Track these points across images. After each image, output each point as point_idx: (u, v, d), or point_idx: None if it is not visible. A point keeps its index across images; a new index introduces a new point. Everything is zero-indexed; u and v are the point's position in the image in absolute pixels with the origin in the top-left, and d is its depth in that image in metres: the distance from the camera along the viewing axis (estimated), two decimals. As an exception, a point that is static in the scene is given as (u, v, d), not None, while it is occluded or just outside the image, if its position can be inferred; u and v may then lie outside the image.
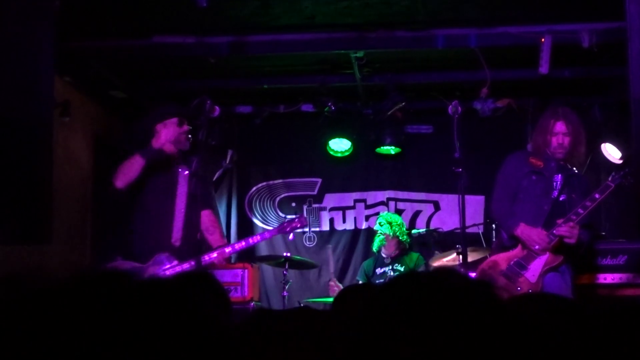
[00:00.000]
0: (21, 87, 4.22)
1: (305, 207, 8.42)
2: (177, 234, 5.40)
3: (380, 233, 7.30)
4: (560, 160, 5.40)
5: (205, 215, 5.51)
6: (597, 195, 5.21)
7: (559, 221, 5.20)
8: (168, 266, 5.22)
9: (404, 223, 7.56)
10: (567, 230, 5.14)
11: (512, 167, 5.44)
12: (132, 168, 5.38)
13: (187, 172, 5.48)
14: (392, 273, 7.19)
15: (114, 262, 5.35)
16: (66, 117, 6.46)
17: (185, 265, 5.23)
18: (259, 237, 5.83)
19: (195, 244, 5.31)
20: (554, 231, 5.20)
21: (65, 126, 6.52)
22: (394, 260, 7.28)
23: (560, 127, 5.38)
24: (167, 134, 5.39)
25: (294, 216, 5.81)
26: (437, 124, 7.93)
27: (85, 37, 5.98)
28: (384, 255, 7.32)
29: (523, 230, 5.27)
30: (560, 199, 5.39)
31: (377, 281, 7.15)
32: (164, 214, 5.43)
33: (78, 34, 5.82)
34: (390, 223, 7.31)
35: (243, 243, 5.53)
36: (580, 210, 5.22)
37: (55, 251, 6.39)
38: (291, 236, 5.83)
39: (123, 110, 7.60)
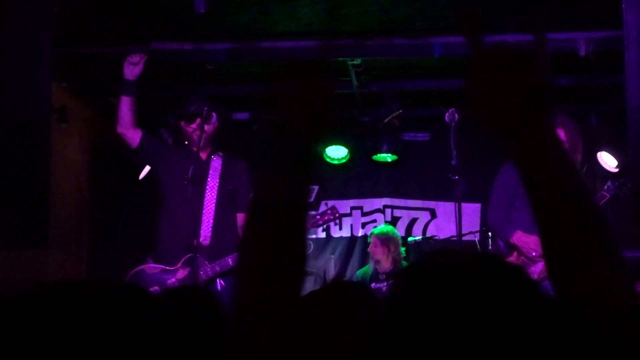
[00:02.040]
0: (19, 92, 4.23)
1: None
2: (206, 232, 5.29)
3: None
4: (556, 168, 5.42)
5: (242, 218, 5.30)
6: (592, 205, 5.22)
7: None
8: (200, 269, 5.13)
9: (399, 237, 7.53)
10: None
11: (508, 175, 5.45)
12: (121, 110, 5.40)
13: (218, 165, 5.44)
14: (387, 289, 7.17)
15: (144, 265, 5.30)
16: (63, 122, 6.46)
17: (216, 267, 5.16)
18: None
19: (229, 244, 5.16)
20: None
21: (62, 132, 6.53)
22: (389, 276, 7.27)
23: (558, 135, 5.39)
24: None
25: (325, 208, 5.67)
26: (434, 131, 7.95)
27: (84, 42, 5.98)
28: (379, 271, 7.32)
29: (520, 237, 5.29)
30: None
31: None
32: (191, 211, 5.23)
33: (76, 40, 5.82)
34: (386, 241, 7.29)
35: None
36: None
37: (51, 256, 6.38)
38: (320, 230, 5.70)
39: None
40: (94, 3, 5.40)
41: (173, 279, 5.13)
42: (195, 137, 5.39)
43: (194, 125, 5.40)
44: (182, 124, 5.48)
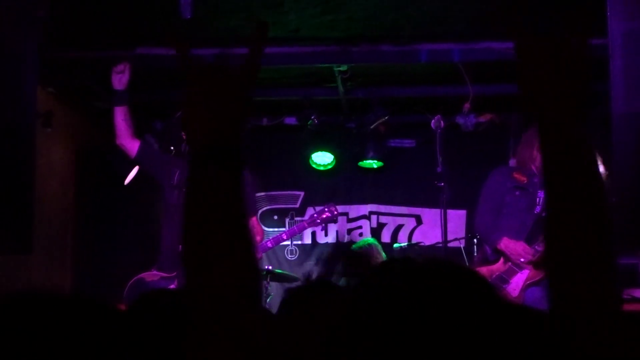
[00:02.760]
0: (4, 96, 4.20)
1: (287, 220, 8.40)
2: None
3: None
4: (543, 175, 5.45)
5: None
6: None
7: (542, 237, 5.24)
8: None
9: (379, 246, 7.51)
10: None
11: (495, 182, 5.47)
12: (117, 121, 5.40)
13: None
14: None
15: (144, 273, 5.28)
16: (48, 127, 6.43)
17: None
18: (285, 236, 5.71)
19: None
20: (536, 246, 5.23)
21: (47, 136, 6.49)
22: None
23: (546, 143, 5.42)
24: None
25: (323, 206, 5.64)
26: (420, 138, 7.96)
27: (69, 47, 5.96)
28: None
29: (507, 244, 5.30)
30: (543, 214, 5.42)
31: None
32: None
33: (62, 44, 5.80)
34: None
35: (269, 244, 5.44)
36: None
37: (35, 262, 6.35)
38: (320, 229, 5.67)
39: (106, 122, 7.56)
40: (79, 8, 5.37)
41: (172, 286, 5.11)
42: None
43: None
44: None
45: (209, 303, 1.30)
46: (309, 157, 8.13)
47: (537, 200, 5.47)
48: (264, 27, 1.45)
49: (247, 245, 1.34)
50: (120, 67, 5.46)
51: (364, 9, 5.51)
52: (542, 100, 1.33)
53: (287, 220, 8.41)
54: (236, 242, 1.33)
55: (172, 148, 5.69)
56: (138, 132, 5.71)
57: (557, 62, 1.35)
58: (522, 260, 5.21)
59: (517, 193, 5.46)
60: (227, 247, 1.32)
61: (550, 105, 1.32)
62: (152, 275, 5.22)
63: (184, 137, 1.36)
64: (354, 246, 7.58)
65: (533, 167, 5.45)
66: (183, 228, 1.41)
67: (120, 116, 5.39)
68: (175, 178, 5.20)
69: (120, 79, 5.44)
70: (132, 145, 5.45)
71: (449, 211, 5.75)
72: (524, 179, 5.48)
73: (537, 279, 5.21)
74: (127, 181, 6.75)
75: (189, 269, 1.37)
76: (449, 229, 5.71)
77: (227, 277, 1.31)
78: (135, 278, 5.25)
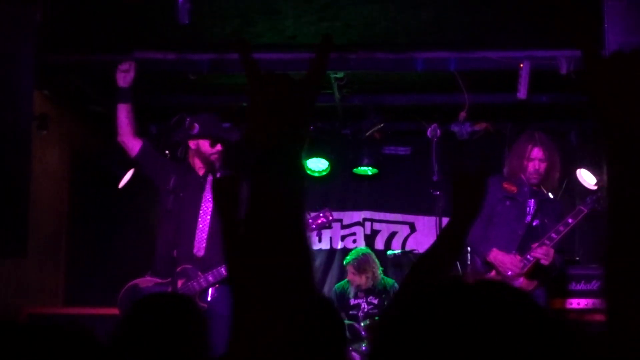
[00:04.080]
0: (0, 99, 4.20)
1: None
2: (200, 243, 5.28)
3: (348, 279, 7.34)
4: (534, 185, 5.45)
5: None
6: (570, 220, 5.27)
7: (534, 245, 5.24)
8: (193, 280, 5.13)
9: (374, 255, 7.50)
10: (543, 251, 5.18)
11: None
12: (119, 119, 5.38)
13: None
14: (366, 305, 7.16)
15: (139, 279, 5.27)
16: (43, 130, 6.42)
17: (209, 277, 5.15)
18: None
19: (222, 255, 5.11)
20: (528, 256, 5.24)
21: (42, 139, 6.49)
22: (369, 292, 7.26)
23: (537, 153, 5.43)
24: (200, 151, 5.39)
25: (318, 212, 5.64)
26: (414, 145, 7.97)
27: (66, 50, 5.96)
28: (352, 286, 7.32)
29: (496, 255, 5.31)
30: (534, 223, 5.44)
31: (350, 312, 7.12)
32: (187, 224, 5.27)
33: (59, 48, 5.80)
34: (361, 268, 7.27)
35: None
36: (554, 235, 5.27)
37: (28, 265, 6.34)
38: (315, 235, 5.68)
39: (101, 125, 7.57)
40: (77, 11, 5.37)
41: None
42: (214, 159, 5.38)
43: (218, 147, 5.39)
44: (191, 143, 5.46)
45: (259, 301, 1.31)
46: (303, 163, 8.12)
47: (528, 210, 5.49)
48: (329, 39, 1.52)
49: (305, 249, 1.37)
50: (125, 65, 5.46)
51: (361, 17, 5.52)
52: (611, 112, 1.31)
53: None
54: (295, 245, 1.35)
55: (167, 152, 5.68)
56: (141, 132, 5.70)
57: (626, 76, 1.31)
58: (509, 273, 5.21)
59: (508, 203, 5.47)
60: (286, 251, 1.34)
61: (619, 117, 1.31)
62: (146, 282, 5.20)
63: (245, 142, 1.38)
64: (346, 257, 7.58)
65: (523, 177, 5.47)
66: (245, 231, 1.40)
67: (123, 113, 5.38)
68: (171, 183, 5.18)
69: (124, 77, 5.44)
70: (133, 144, 5.43)
71: (444, 219, 5.75)
72: (513, 188, 5.49)
73: (529, 289, 5.21)
74: (121, 184, 6.75)
75: (240, 278, 1.38)
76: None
77: (283, 276, 1.33)
78: (129, 284, 5.23)
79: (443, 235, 2.29)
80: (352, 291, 7.31)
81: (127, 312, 2.75)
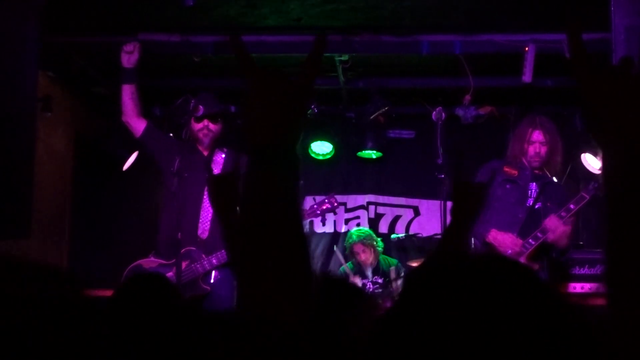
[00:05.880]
0: (4, 80, 4.19)
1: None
2: (204, 224, 5.29)
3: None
4: (535, 168, 5.45)
5: None
6: (572, 206, 5.27)
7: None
8: (197, 263, 5.15)
9: (373, 235, 7.52)
10: (553, 223, 5.17)
11: (484, 176, 5.46)
12: (124, 99, 5.39)
13: (221, 160, 5.43)
14: (371, 285, 7.18)
15: (143, 260, 5.28)
16: (47, 112, 6.42)
17: (213, 260, 5.16)
18: None
19: None
20: (530, 239, 5.24)
21: (46, 121, 6.48)
22: (374, 271, 7.28)
23: (537, 136, 5.42)
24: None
25: (323, 197, 5.65)
26: (419, 129, 7.96)
27: (71, 32, 5.95)
28: (364, 267, 7.33)
29: (495, 236, 5.31)
30: (536, 207, 5.44)
31: None
32: (191, 204, 5.28)
33: (63, 29, 5.79)
34: (369, 244, 7.30)
35: None
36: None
37: (32, 246, 6.34)
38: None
39: (105, 107, 7.56)
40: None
41: (170, 273, 5.09)
42: (201, 135, 5.40)
43: (200, 125, 5.41)
44: (193, 122, 5.48)
45: (261, 300, 1.34)
46: (308, 146, 8.12)
47: (529, 193, 5.48)
48: (322, 38, 1.50)
49: (301, 242, 1.39)
50: (129, 46, 5.46)
51: (365, -1, 5.51)
52: (609, 127, 1.34)
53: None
54: (291, 239, 1.38)
55: (170, 134, 5.68)
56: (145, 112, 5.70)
57: (622, 92, 1.34)
58: (509, 252, 5.21)
59: (508, 186, 5.47)
60: (282, 243, 1.37)
61: (616, 134, 1.33)
62: (150, 262, 5.21)
63: (244, 137, 1.42)
64: (348, 239, 7.58)
65: (524, 161, 5.46)
66: (240, 224, 1.46)
67: (128, 94, 5.39)
68: (175, 165, 5.18)
69: (129, 59, 5.45)
70: (138, 125, 5.44)
71: (449, 203, 5.75)
72: (514, 172, 5.48)
73: (531, 271, 5.21)
74: (125, 167, 6.76)
75: (242, 265, 1.41)
76: (448, 221, 5.70)
77: (281, 274, 1.36)
78: (133, 264, 5.24)
79: (446, 236, 2.40)
80: (357, 269, 7.33)
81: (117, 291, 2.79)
